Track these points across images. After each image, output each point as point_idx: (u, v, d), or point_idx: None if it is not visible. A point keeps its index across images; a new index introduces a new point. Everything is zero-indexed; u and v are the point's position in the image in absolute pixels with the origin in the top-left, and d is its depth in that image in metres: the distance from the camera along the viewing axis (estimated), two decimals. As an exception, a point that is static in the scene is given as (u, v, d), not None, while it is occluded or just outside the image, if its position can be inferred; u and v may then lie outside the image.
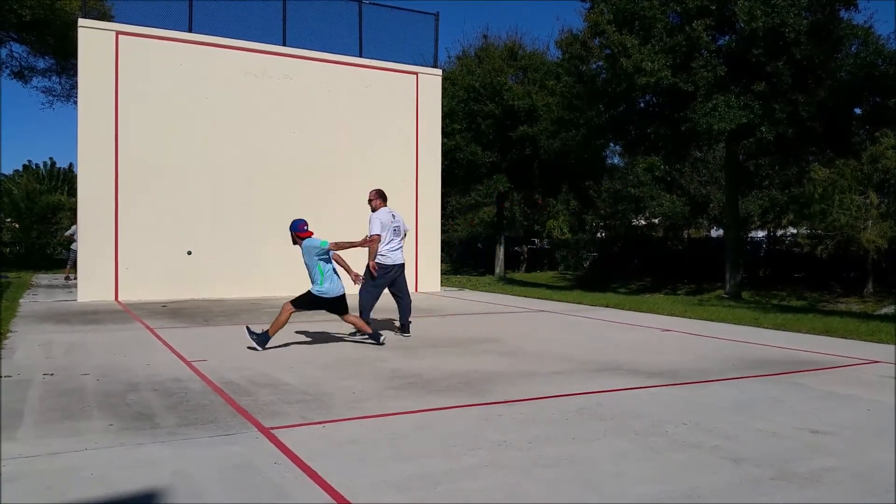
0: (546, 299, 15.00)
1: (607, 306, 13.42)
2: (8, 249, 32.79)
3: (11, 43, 25.24)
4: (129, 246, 13.62)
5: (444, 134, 20.55)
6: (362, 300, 8.52)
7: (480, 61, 27.50)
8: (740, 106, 17.42)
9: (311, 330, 9.47)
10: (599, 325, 10.55)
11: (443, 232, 18.24)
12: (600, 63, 20.37)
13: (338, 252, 7.82)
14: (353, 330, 8.57)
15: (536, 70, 26.95)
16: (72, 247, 17.00)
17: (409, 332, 8.81)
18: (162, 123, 13.99)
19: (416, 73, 16.56)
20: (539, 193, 31.96)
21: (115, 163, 13.56)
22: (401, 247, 8.67)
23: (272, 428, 4.48)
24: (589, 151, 24.39)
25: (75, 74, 15.63)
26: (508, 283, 23.42)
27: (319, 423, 4.65)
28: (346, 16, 15.97)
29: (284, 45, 15.17)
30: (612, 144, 26.16)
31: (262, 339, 7.61)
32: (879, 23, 36.24)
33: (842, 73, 17.84)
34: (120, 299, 13.45)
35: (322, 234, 14.39)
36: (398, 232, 8.58)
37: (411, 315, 8.94)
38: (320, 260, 7.70)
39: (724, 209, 23.77)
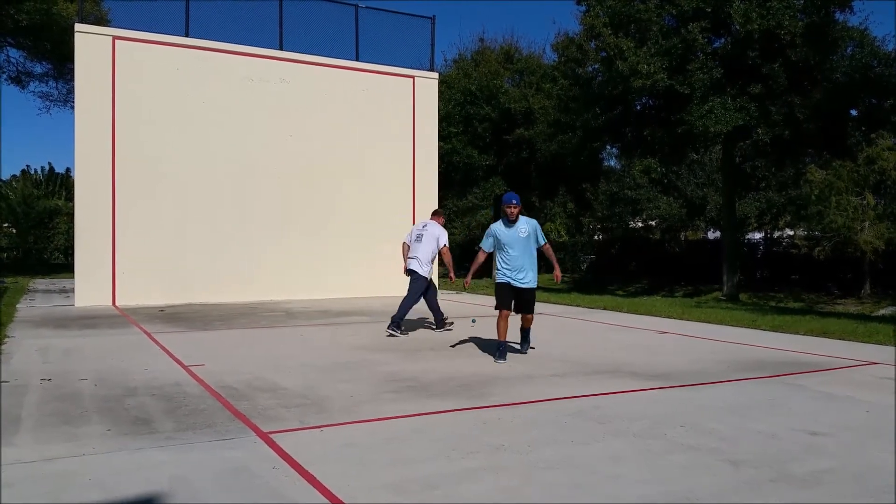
0: (543, 302, 15.00)
1: (605, 308, 13.43)
2: (5, 254, 32.74)
3: (8, 48, 25.26)
4: (126, 250, 13.60)
5: (441, 137, 20.56)
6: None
7: (477, 64, 27.56)
8: (736, 108, 17.46)
9: (311, 333, 9.47)
10: (597, 327, 10.56)
11: (440, 235, 18.22)
12: (596, 66, 20.42)
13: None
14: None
15: (533, 73, 27.00)
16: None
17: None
18: (159, 128, 13.99)
19: (413, 77, 16.58)
20: (536, 196, 31.97)
21: (112, 167, 13.55)
22: (412, 255, 9.33)
23: (270, 432, 4.48)
24: (585, 154, 24.41)
25: (72, 79, 15.64)
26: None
27: (317, 427, 4.65)
28: (343, 19, 15.97)
29: (281, 49, 15.18)
30: (608, 147, 26.18)
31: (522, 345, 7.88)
32: (875, 24, 36.43)
33: (837, 74, 17.90)
34: (117, 304, 13.43)
35: (323, 236, 14.40)
36: (419, 239, 9.33)
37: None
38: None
39: (721, 211, 23.80)
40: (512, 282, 7.25)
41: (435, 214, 9.76)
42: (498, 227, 7.34)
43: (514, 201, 7.19)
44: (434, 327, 9.78)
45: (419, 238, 9.30)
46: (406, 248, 9.42)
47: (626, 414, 5.02)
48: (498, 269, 7.38)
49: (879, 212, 21.98)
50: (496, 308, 7.38)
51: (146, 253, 13.76)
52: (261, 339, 9.05)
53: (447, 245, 9.33)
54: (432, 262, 9.40)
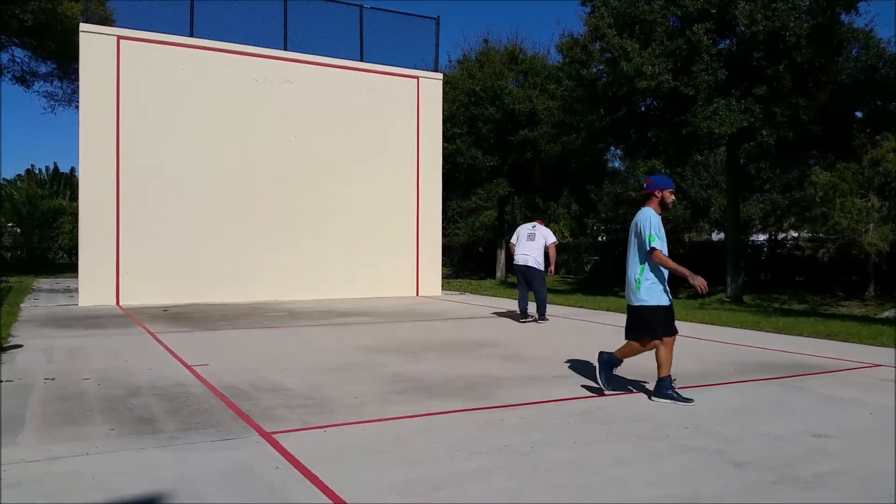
0: (547, 303, 14.96)
1: (608, 310, 13.40)
2: (9, 254, 32.84)
3: (13, 48, 25.33)
4: (130, 250, 13.63)
5: (445, 138, 20.56)
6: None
7: (481, 65, 27.51)
8: (741, 109, 17.41)
9: (314, 334, 9.47)
10: (601, 329, 10.54)
11: (444, 236, 18.24)
12: (601, 67, 20.37)
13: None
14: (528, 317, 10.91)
15: (537, 74, 26.95)
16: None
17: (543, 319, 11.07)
18: (163, 128, 14.01)
19: (417, 78, 16.58)
20: (540, 197, 31.97)
21: (117, 167, 13.58)
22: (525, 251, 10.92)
23: (274, 432, 4.47)
24: (589, 155, 24.36)
25: (77, 79, 15.67)
26: (509, 287, 23.38)
27: (321, 427, 4.65)
28: (347, 20, 16.00)
29: (286, 49, 15.20)
30: (612, 148, 26.14)
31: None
32: (880, 26, 36.30)
33: (843, 76, 17.83)
34: (121, 304, 13.45)
35: (327, 236, 14.23)
36: (531, 237, 10.90)
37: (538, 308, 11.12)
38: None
39: (726, 213, 23.75)
40: (667, 296, 5.48)
41: (538, 218, 11.39)
42: (658, 218, 5.50)
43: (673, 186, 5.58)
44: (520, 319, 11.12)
45: (531, 237, 10.83)
46: (513, 248, 11.01)
47: (629, 416, 5.01)
48: (646, 280, 5.45)
49: (884, 214, 21.91)
50: (655, 337, 5.50)
51: (150, 253, 13.78)
52: (264, 339, 9.06)
53: (555, 242, 11.05)
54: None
